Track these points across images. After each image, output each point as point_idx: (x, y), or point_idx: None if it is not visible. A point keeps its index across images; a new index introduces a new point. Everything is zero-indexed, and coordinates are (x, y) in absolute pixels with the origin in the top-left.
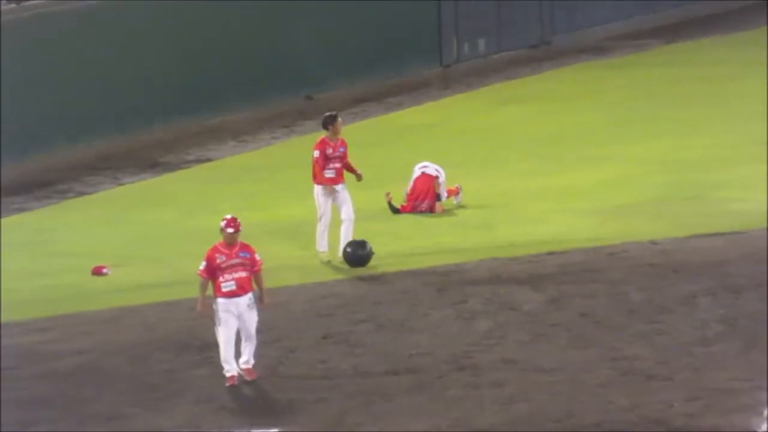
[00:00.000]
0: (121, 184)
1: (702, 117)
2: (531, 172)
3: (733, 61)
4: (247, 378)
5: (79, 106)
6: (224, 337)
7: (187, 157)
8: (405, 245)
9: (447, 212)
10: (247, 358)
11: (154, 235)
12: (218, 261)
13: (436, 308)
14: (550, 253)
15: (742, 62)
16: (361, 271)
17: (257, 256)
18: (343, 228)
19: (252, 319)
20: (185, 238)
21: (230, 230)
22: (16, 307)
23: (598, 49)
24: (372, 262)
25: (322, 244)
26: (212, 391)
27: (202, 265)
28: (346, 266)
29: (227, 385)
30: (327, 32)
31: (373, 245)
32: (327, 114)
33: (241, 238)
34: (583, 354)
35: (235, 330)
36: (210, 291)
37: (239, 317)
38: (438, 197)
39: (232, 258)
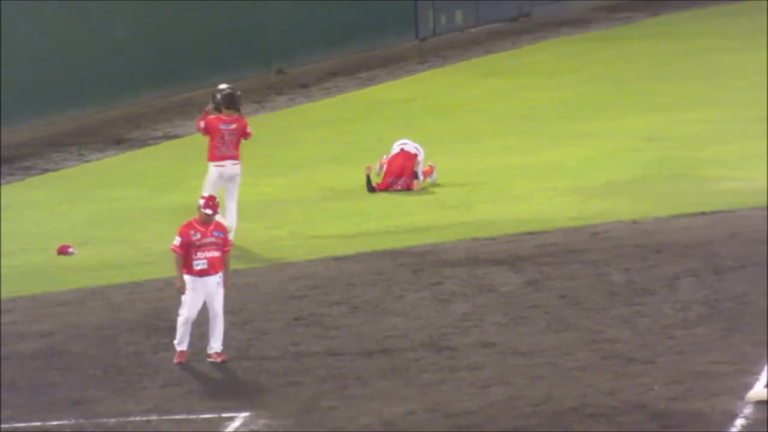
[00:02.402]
0: (86, 161)
1: (691, 91)
2: (511, 149)
3: (723, 33)
4: (217, 360)
5: (44, 81)
6: (187, 314)
7: (154, 134)
8: (379, 224)
9: (423, 190)
10: (217, 341)
11: (120, 214)
12: (193, 238)
13: (412, 290)
14: (530, 233)
15: (732, 34)
16: (334, 251)
17: (229, 237)
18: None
19: (219, 297)
20: (152, 217)
21: (209, 211)
22: None
23: (579, 22)
24: (345, 242)
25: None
26: (181, 374)
27: (177, 240)
28: (317, 247)
29: (176, 361)
30: (297, 2)
31: (346, 224)
32: None
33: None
34: (563, 337)
35: (199, 308)
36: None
37: (206, 295)
38: (416, 175)
39: (206, 236)
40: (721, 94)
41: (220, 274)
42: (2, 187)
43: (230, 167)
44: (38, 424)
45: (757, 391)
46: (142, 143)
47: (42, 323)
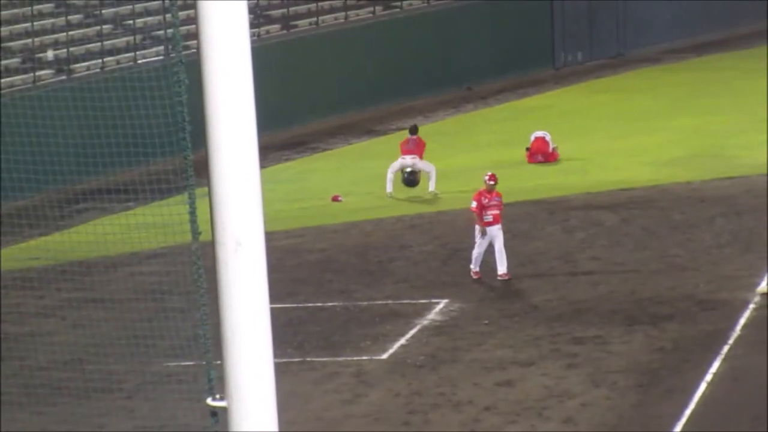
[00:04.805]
0: (349, 144)
1: (721, 103)
2: (610, 137)
3: (740, 68)
4: (505, 278)
5: (323, 96)
6: (478, 249)
7: (390, 127)
8: (528, 183)
9: (554, 163)
10: (503, 266)
11: (371, 177)
12: (484, 202)
13: (548, 224)
14: (623, 189)
15: (746, 69)
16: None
17: (502, 200)
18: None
19: (500, 238)
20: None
21: (492, 182)
22: (282, 221)
23: (654, 59)
24: (507, 194)
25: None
26: (407, 275)
27: (474, 204)
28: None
29: (475, 278)
30: (479, 46)
31: (507, 183)
32: None
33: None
34: (643, 254)
35: (485, 246)
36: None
37: (491, 238)
38: (552, 152)
39: (491, 200)
40: (740, 105)
41: (500, 224)
42: (297, 160)
43: (409, 159)
44: (320, 304)
45: (761, 287)
46: (383, 133)
47: (321, 243)
